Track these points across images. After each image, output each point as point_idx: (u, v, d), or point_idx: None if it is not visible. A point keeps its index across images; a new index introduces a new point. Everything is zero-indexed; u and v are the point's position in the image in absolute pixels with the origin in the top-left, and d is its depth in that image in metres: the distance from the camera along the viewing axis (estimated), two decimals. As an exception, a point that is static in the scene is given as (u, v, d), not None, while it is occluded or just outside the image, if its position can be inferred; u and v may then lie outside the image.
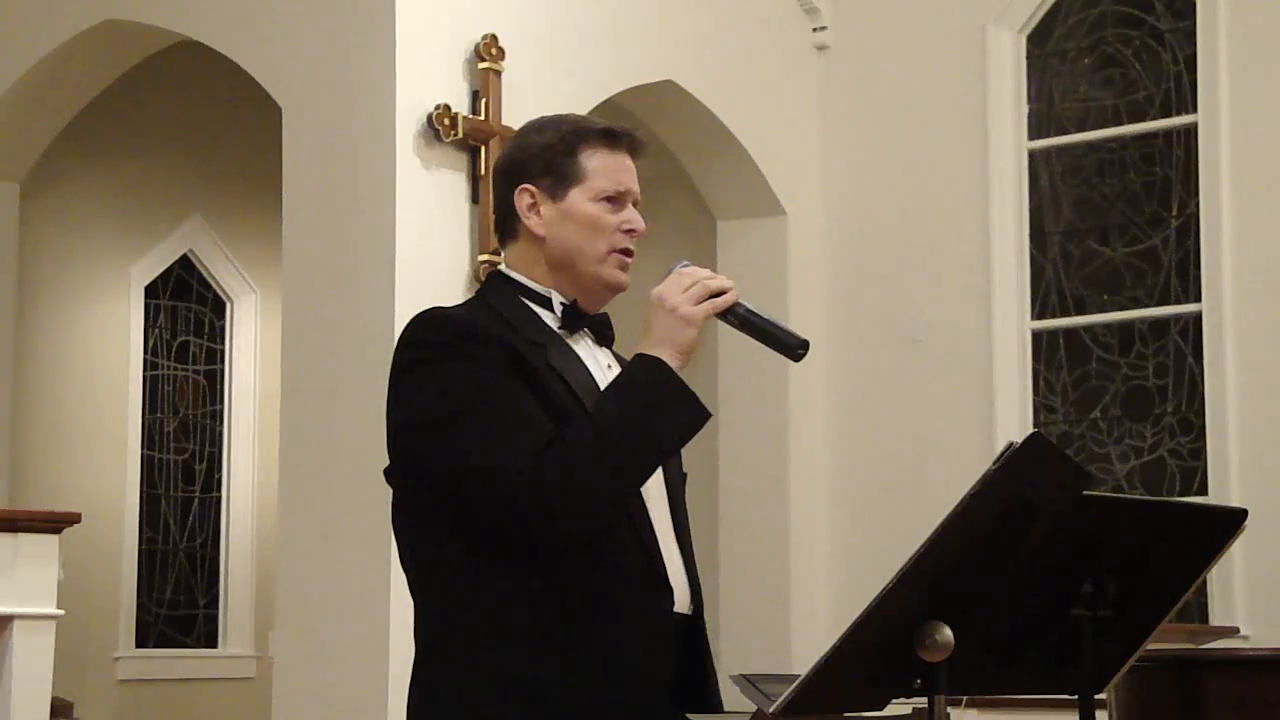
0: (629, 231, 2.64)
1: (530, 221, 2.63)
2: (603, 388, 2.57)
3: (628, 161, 2.67)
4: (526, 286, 2.65)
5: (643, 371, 2.49)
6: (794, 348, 2.55)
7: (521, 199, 2.64)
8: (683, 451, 2.67)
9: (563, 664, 2.45)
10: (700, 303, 2.52)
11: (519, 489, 2.41)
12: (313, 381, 6.16)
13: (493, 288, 2.68)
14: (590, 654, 2.46)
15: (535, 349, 2.55)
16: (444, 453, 2.47)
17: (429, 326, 2.56)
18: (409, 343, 2.55)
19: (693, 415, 2.50)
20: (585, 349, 2.65)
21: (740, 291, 2.58)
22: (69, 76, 7.20)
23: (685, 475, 2.73)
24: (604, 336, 2.68)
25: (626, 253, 2.65)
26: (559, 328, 2.63)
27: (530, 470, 2.41)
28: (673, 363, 2.49)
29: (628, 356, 2.72)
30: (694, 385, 2.55)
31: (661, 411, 2.47)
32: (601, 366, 2.65)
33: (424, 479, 2.52)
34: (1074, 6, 7.80)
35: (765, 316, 2.57)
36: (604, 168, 2.63)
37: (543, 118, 2.74)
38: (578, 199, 2.62)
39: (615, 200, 2.63)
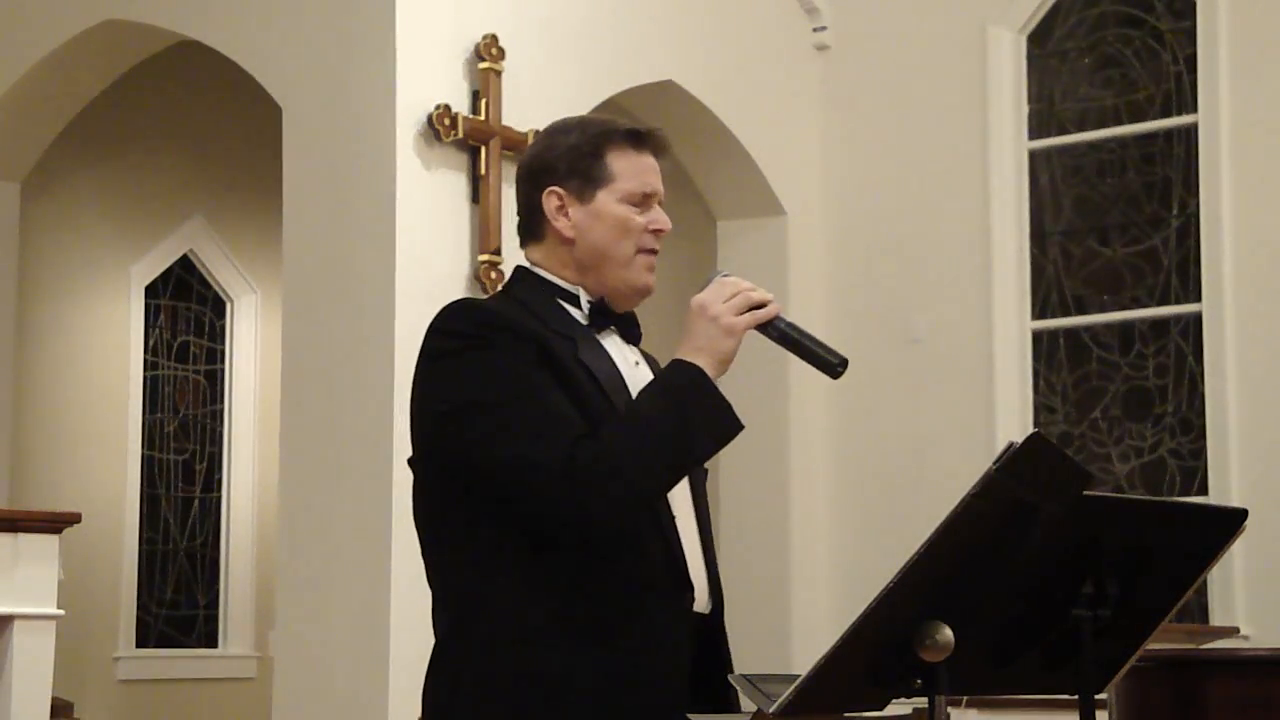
0: (656, 231, 2.66)
1: (559, 224, 2.63)
2: (630, 384, 2.58)
3: (653, 162, 2.69)
4: (553, 283, 2.65)
5: (681, 378, 2.50)
6: (834, 365, 2.54)
7: (549, 201, 2.64)
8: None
9: (582, 658, 2.45)
10: (743, 314, 2.52)
11: (552, 482, 2.41)
12: (313, 381, 6.16)
13: (520, 282, 2.67)
14: (610, 648, 2.46)
15: (564, 342, 2.55)
16: (476, 442, 2.47)
17: (460, 316, 2.56)
18: (440, 331, 2.55)
19: (727, 426, 2.51)
20: (613, 345, 2.64)
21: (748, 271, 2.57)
22: (69, 76, 7.21)
23: (706, 473, 2.73)
24: (631, 334, 2.68)
25: (652, 252, 2.65)
26: (587, 325, 2.63)
27: (563, 464, 2.41)
28: (710, 371, 2.50)
29: (657, 356, 2.72)
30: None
31: (697, 420, 2.48)
32: (629, 364, 2.64)
33: (452, 467, 2.52)
34: (1074, 6, 7.80)
35: (805, 332, 2.56)
36: (631, 169, 2.65)
37: (568, 119, 2.75)
38: (606, 200, 2.63)
39: (642, 201, 2.65)
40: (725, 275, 2.58)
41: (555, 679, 2.45)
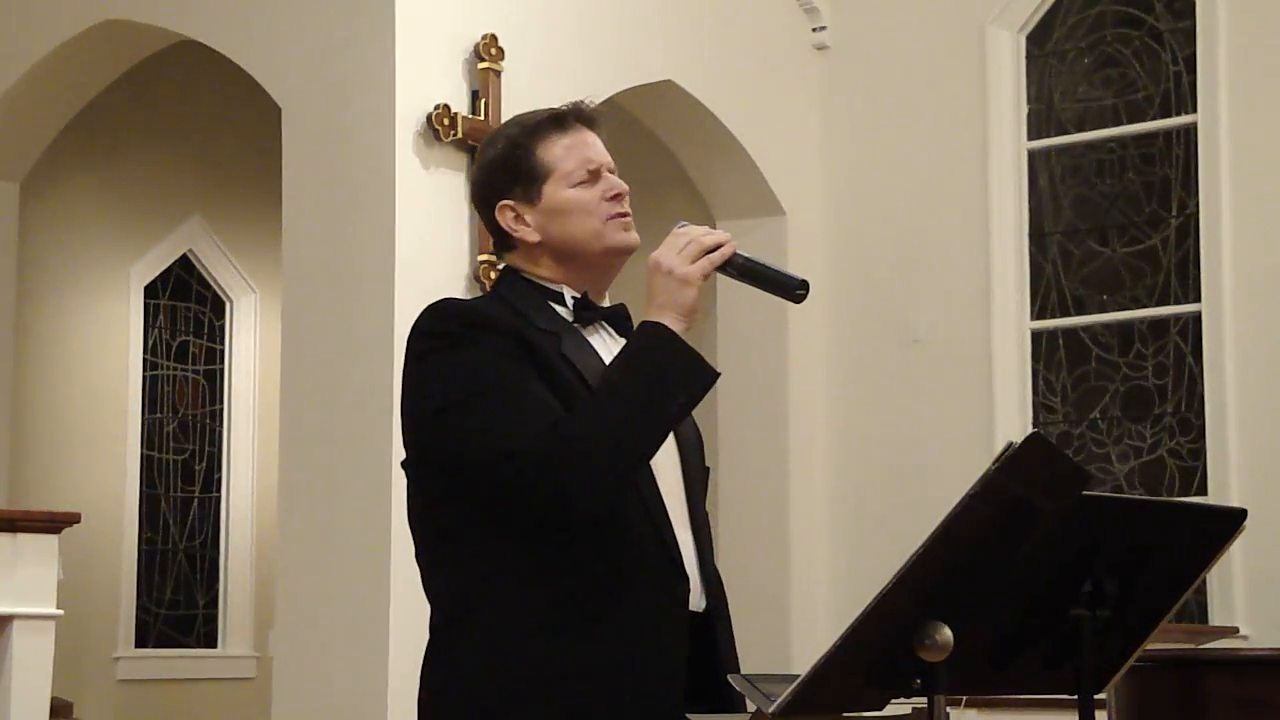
0: (614, 197, 2.64)
1: (521, 233, 2.64)
2: None
3: (587, 136, 2.66)
4: (537, 283, 2.65)
5: (645, 337, 2.49)
6: (794, 289, 2.54)
7: (504, 216, 2.65)
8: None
9: (574, 650, 2.45)
10: (697, 260, 2.52)
11: (530, 468, 2.41)
12: (313, 381, 6.16)
13: (505, 282, 2.68)
14: (603, 640, 2.46)
15: (547, 337, 2.55)
16: (456, 438, 2.48)
17: (439, 316, 2.57)
18: (420, 333, 2.57)
19: (699, 375, 2.49)
20: (601, 341, 2.64)
21: (739, 243, 2.57)
22: (69, 76, 7.20)
23: (708, 470, 2.72)
24: (622, 327, 2.67)
25: (621, 215, 2.64)
26: (573, 321, 2.63)
27: (540, 447, 2.41)
28: (675, 326, 2.49)
29: None
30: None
31: (666, 374, 2.47)
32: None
33: (438, 466, 2.53)
34: (1074, 6, 7.80)
35: (763, 263, 2.56)
36: (563, 153, 2.64)
37: (494, 130, 2.76)
38: (553, 193, 2.63)
39: (588, 177, 2.63)
40: (682, 226, 2.58)
41: (546, 671, 2.45)
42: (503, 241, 2.69)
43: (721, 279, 2.58)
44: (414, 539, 2.62)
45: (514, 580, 2.48)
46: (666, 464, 2.58)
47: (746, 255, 2.55)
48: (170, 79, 8.46)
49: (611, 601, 2.47)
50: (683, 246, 2.52)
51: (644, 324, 2.50)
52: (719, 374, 2.52)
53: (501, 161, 2.66)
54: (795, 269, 2.64)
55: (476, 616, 2.49)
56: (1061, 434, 7.58)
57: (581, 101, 2.71)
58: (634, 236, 2.65)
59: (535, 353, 2.51)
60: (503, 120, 6.25)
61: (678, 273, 2.50)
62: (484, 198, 2.68)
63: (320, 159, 6.25)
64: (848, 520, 7.80)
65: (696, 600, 2.58)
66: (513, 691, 2.46)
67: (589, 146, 2.66)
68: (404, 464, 2.62)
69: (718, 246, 2.53)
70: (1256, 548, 6.16)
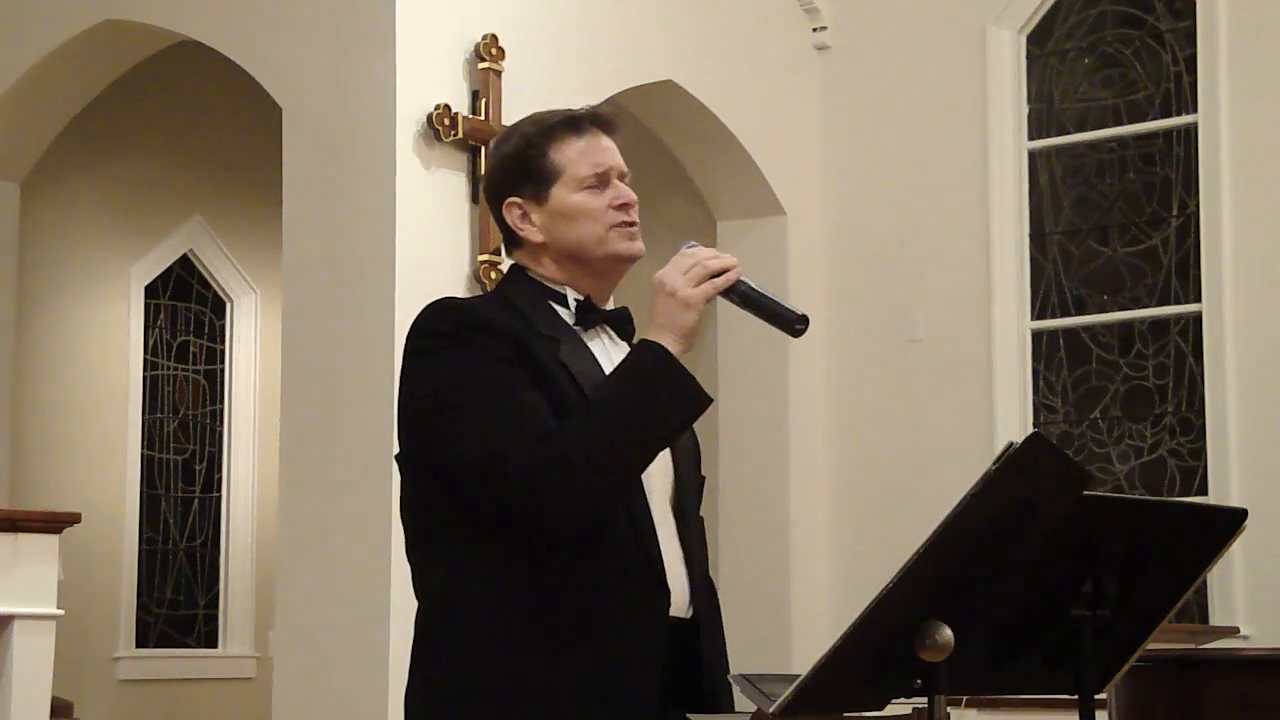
0: (621, 206, 2.63)
1: (526, 231, 2.64)
2: None
3: (601, 141, 2.65)
4: (541, 284, 2.65)
5: (641, 356, 2.49)
6: (793, 323, 2.53)
7: (511, 213, 2.65)
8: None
9: (551, 660, 2.45)
10: (700, 284, 2.51)
11: (516, 477, 2.41)
12: (313, 381, 6.16)
13: (511, 282, 2.68)
14: (579, 651, 2.46)
15: (547, 342, 2.55)
16: (445, 440, 2.48)
17: (438, 315, 2.57)
18: (419, 330, 2.57)
19: (692, 399, 2.48)
20: (601, 345, 2.64)
21: (742, 270, 2.57)
22: (69, 76, 7.21)
23: (703, 479, 2.72)
24: (625, 331, 2.67)
25: (627, 224, 2.63)
26: (574, 324, 2.63)
27: (527, 458, 2.41)
28: (674, 347, 2.48)
29: None
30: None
31: (659, 395, 2.46)
32: (615, 363, 2.62)
33: (427, 466, 2.53)
34: (1074, 6, 7.80)
35: (766, 293, 2.55)
36: (575, 156, 2.63)
37: (509, 126, 2.75)
38: (561, 195, 2.62)
39: (597, 182, 2.63)
40: (690, 247, 2.57)
41: (521, 681, 2.45)
42: (510, 238, 2.69)
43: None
44: (404, 531, 2.62)
45: (494, 585, 2.48)
46: (657, 472, 2.57)
47: (750, 284, 2.55)
48: (170, 79, 8.46)
49: (590, 610, 2.47)
50: (688, 268, 2.51)
51: (643, 342, 2.50)
52: (711, 400, 2.52)
53: (514, 158, 2.65)
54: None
55: (458, 617, 2.50)
56: (1062, 434, 7.58)
57: (598, 106, 2.71)
58: (638, 245, 2.65)
59: (532, 358, 2.51)
60: (503, 120, 6.32)
61: (680, 295, 2.50)
62: (494, 192, 2.68)
63: (320, 159, 6.25)
64: (848, 521, 7.80)
65: (684, 609, 2.57)
66: (488, 695, 2.46)
67: (602, 151, 2.65)
68: (397, 456, 2.63)
69: (723, 271, 2.52)
70: (1256, 548, 6.16)
